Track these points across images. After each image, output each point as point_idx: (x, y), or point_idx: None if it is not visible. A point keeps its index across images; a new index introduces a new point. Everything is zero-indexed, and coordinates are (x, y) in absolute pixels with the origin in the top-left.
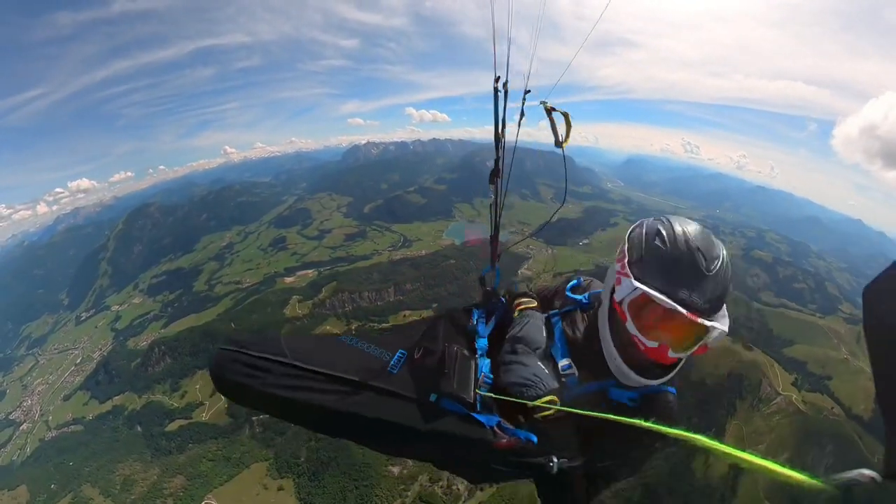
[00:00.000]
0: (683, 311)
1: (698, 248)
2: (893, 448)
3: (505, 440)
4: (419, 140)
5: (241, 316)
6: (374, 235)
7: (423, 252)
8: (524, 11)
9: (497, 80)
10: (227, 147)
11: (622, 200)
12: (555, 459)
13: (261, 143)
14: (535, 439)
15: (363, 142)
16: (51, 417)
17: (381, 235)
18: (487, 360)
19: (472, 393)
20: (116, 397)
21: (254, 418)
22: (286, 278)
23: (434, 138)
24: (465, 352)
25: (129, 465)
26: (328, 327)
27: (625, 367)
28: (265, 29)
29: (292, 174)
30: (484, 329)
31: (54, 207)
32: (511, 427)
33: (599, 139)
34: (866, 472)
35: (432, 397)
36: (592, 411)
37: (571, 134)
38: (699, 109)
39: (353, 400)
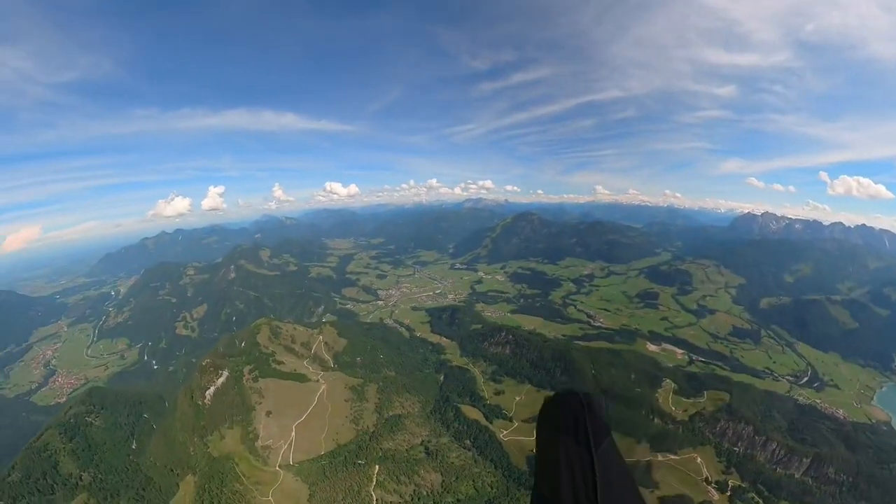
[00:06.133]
0: None
1: None
2: None
3: None
4: (841, 224)
5: (601, 363)
6: (770, 345)
7: (843, 413)
8: None
9: None
10: (598, 187)
11: None
12: None
13: (633, 190)
14: None
15: (756, 210)
16: (396, 312)
17: (781, 352)
18: None
19: None
20: (444, 339)
21: None
22: (649, 343)
23: (864, 224)
24: None
25: (408, 400)
26: (699, 459)
27: None
28: (637, 84)
29: (665, 227)
30: None
31: (465, 193)
32: None
33: None
34: None
35: None
36: None
37: None
38: None
39: None
